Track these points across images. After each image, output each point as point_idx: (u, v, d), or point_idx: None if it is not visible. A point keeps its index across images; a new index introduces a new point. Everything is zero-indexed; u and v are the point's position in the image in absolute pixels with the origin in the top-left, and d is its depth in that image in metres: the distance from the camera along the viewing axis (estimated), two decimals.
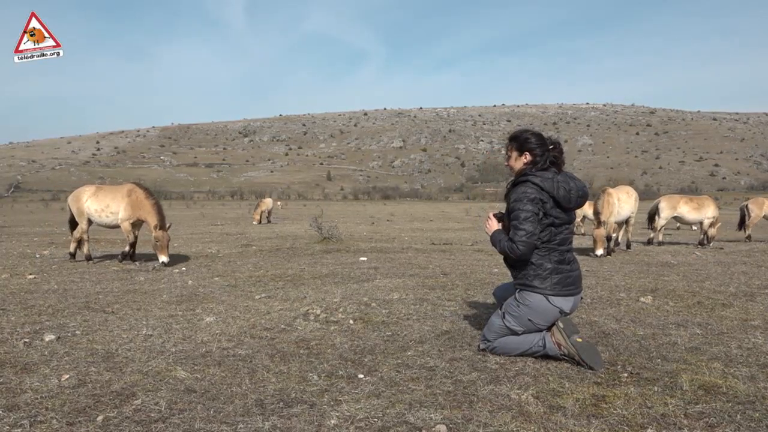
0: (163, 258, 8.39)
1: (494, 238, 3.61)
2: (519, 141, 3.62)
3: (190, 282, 6.85)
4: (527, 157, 3.58)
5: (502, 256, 3.68)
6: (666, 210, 12.40)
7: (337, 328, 4.38)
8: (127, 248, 9.01)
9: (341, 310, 4.95)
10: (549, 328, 3.56)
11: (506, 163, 3.73)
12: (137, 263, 8.77)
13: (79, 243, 9.19)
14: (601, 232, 9.78)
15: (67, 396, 2.94)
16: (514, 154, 3.63)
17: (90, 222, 9.08)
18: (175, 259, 9.07)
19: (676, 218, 12.60)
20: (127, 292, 6.13)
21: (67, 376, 3.21)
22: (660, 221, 12.47)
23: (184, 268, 8.20)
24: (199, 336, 4.15)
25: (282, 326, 4.43)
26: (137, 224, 8.97)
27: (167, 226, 8.62)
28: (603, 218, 9.89)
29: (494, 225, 3.66)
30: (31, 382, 3.14)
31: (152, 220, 8.56)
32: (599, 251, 9.68)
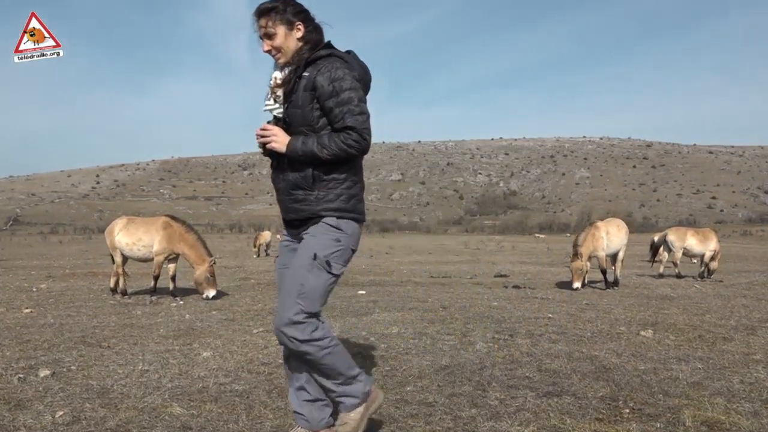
0: (213, 292, 8.28)
1: (305, 147, 2.55)
2: (284, 11, 2.65)
3: (187, 316, 6.80)
4: (300, 30, 2.68)
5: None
6: (677, 242, 12.46)
7: None
8: (153, 283, 8.93)
9: None
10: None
11: (265, 49, 2.69)
12: (154, 297, 8.63)
13: (119, 276, 8.98)
14: (578, 264, 9.59)
15: None
16: (281, 29, 2.64)
17: (124, 257, 8.88)
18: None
19: (684, 250, 12.63)
20: (123, 326, 6.08)
21: (62, 413, 3.17)
22: (676, 254, 12.54)
23: (181, 302, 8.15)
24: (195, 371, 4.11)
25: (280, 361, 4.38)
26: (173, 259, 8.85)
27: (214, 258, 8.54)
28: (582, 251, 9.73)
29: (282, 133, 2.62)
30: (24, 418, 3.10)
31: (196, 253, 8.43)
32: (576, 284, 9.49)
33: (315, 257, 2.56)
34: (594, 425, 2.98)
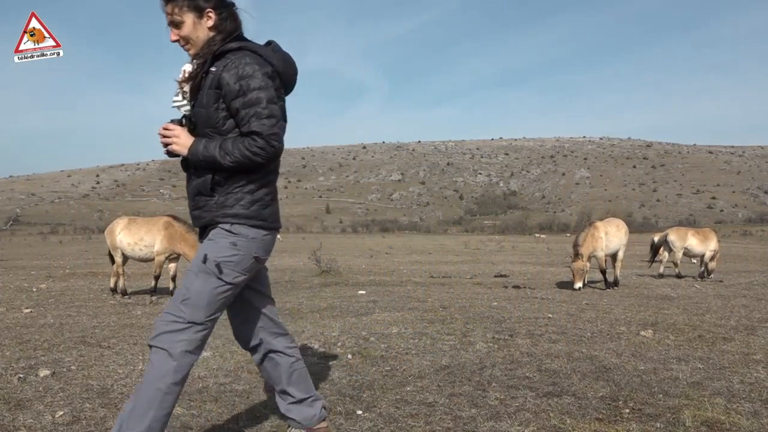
0: None
1: (206, 152, 2.29)
2: None
3: None
4: (212, 18, 2.39)
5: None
6: (678, 242, 12.49)
7: (336, 362, 4.34)
8: (153, 283, 8.93)
9: (339, 344, 4.91)
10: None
11: (173, 39, 2.40)
12: (154, 297, 8.63)
13: (119, 276, 8.97)
14: (579, 265, 9.58)
15: None
16: (189, 17, 2.36)
17: (125, 256, 8.87)
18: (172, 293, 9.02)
19: (684, 250, 12.65)
20: (123, 326, 6.08)
21: (62, 413, 3.17)
22: (677, 254, 12.58)
23: None
24: (195, 371, 4.10)
25: None
26: (174, 259, 8.85)
27: None
28: (582, 251, 9.72)
29: (184, 134, 2.36)
30: (24, 419, 3.10)
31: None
32: (578, 285, 9.48)
33: (205, 260, 2.33)
34: (594, 425, 2.97)
